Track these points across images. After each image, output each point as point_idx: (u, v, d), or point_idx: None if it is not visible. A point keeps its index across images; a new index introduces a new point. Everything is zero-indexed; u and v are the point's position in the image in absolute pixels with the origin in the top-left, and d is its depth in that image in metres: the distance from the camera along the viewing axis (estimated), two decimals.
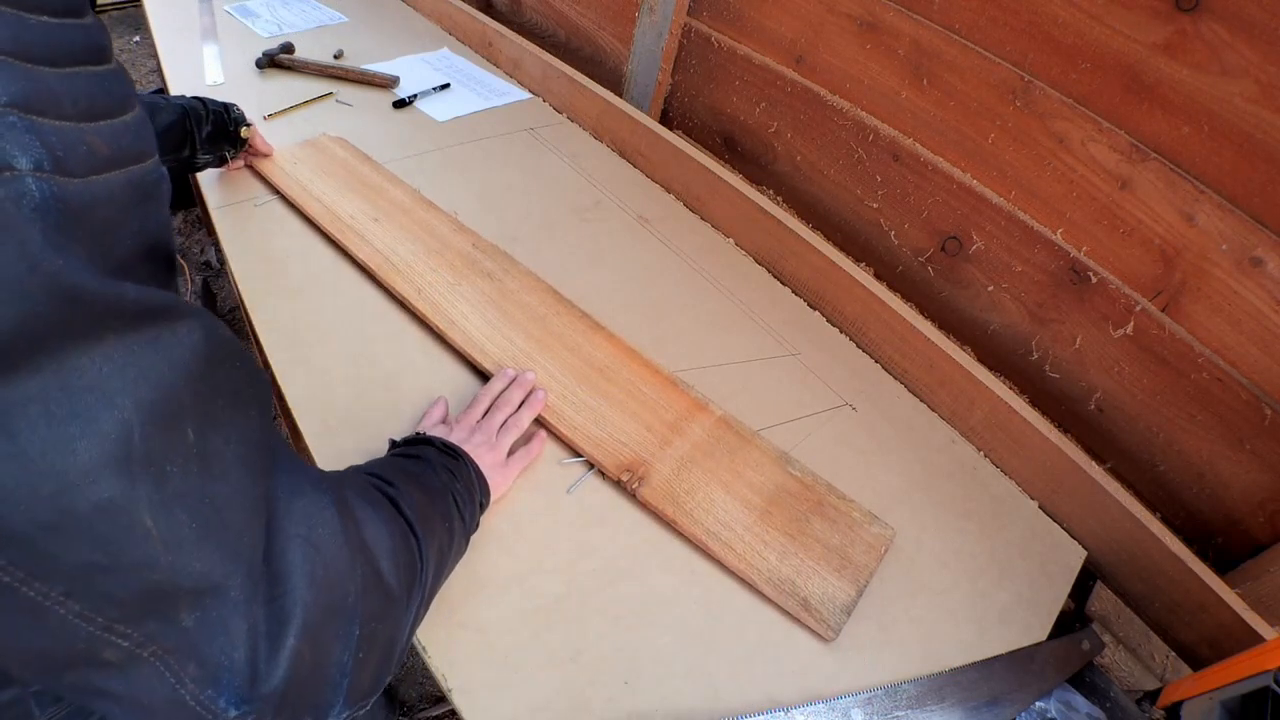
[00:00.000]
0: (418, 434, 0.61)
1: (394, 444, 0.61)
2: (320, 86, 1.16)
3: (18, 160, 0.22)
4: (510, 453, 0.65)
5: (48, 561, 0.23)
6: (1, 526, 0.22)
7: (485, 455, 0.61)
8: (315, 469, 0.39)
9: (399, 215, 0.90)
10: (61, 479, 0.23)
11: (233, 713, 0.29)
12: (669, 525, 0.65)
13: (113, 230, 0.26)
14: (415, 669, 1.25)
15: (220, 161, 0.89)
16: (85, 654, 0.25)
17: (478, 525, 0.58)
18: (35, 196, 0.23)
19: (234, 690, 0.29)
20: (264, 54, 1.17)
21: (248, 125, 0.88)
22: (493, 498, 0.61)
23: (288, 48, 1.20)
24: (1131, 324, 0.74)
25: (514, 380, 0.70)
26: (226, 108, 0.87)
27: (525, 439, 0.67)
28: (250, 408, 0.31)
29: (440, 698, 1.21)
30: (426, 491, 0.50)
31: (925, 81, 0.84)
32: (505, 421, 0.66)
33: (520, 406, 0.68)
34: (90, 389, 0.23)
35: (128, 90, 0.30)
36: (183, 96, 0.84)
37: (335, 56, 1.24)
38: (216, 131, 0.85)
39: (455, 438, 0.62)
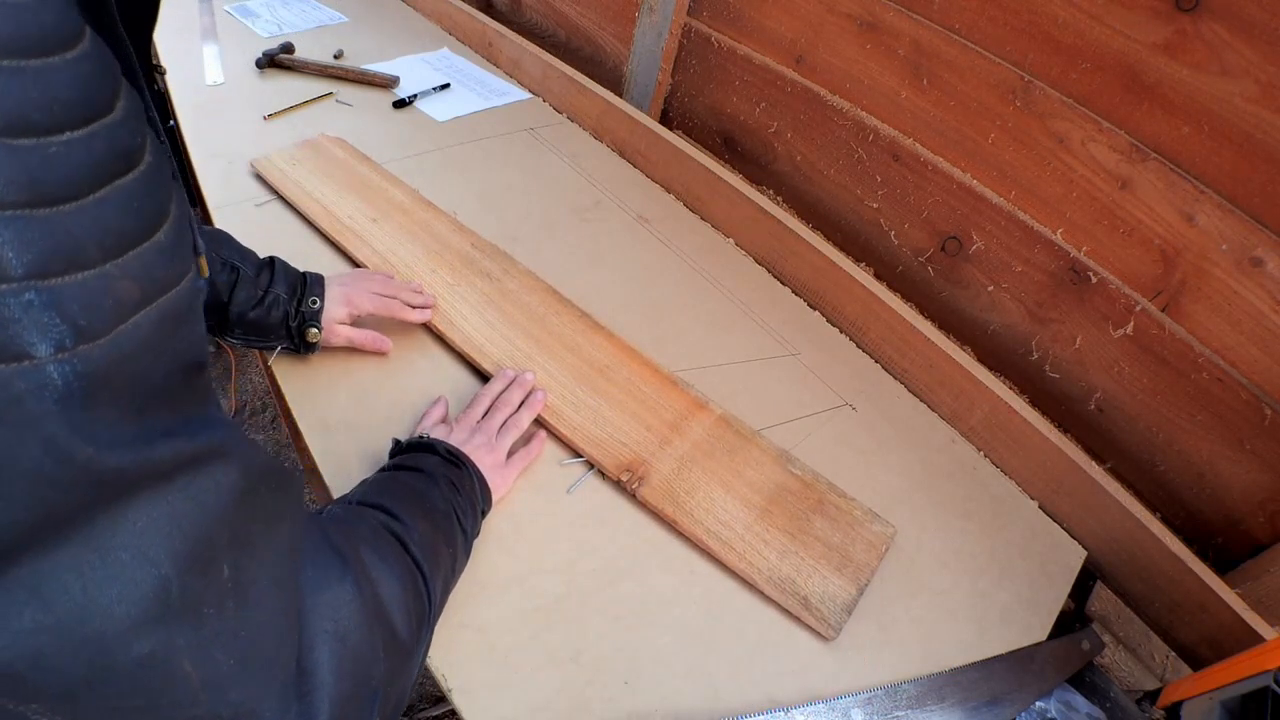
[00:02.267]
0: (420, 438, 0.60)
1: (397, 444, 0.61)
2: (320, 86, 1.16)
3: (37, 348, 0.20)
4: (510, 453, 0.65)
5: (87, 710, 0.24)
6: (41, 688, 0.22)
7: (485, 457, 0.62)
8: (330, 531, 0.38)
9: (398, 215, 0.90)
10: (100, 641, 0.23)
11: None
12: (669, 525, 0.65)
13: (143, 375, 0.24)
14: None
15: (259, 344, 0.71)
16: None
17: (479, 532, 0.58)
18: (58, 385, 0.21)
19: None
20: (264, 54, 1.17)
21: (317, 328, 0.69)
22: (494, 499, 0.61)
23: (288, 48, 1.20)
24: (1131, 324, 0.74)
25: (513, 381, 0.70)
26: (300, 292, 0.68)
27: (525, 439, 0.68)
28: (283, 522, 0.31)
29: (440, 698, 1.21)
30: (432, 517, 0.50)
31: (925, 81, 0.84)
32: (505, 422, 0.66)
33: (520, 407, 0.68)
34: (125, 548, 0.23)
35: (164, 191, 0.27)
36: (245, 258, 0.67)
37: (335, 56, 1.24)
38: (268, 318, 0.67)
39: (456, 439, 0.62)
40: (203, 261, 0.41)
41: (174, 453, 0.25)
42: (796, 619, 0.61)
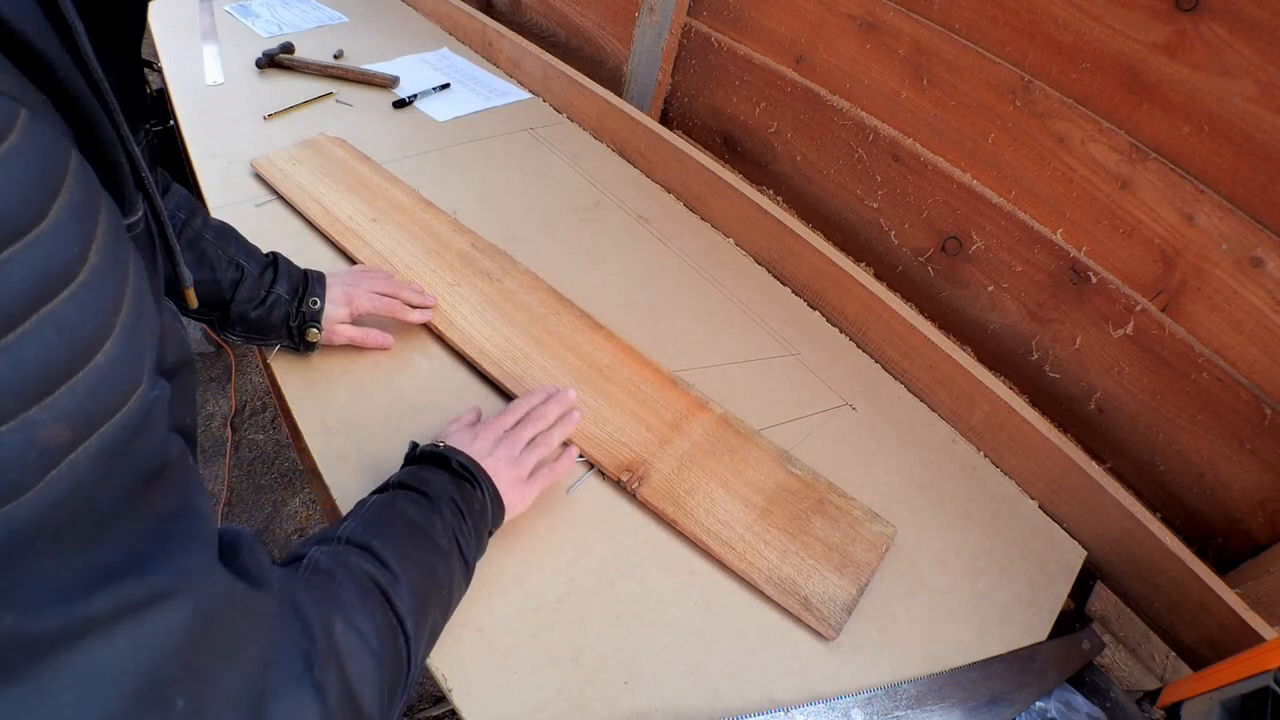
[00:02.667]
0: (436, 447, 0.57)
1: (413, 448, 0.58)
2: (320, 86, 1.16)
3: None
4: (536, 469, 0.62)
5: None
6: None
7: (505, 470, 0.58)
8: (304, 601, 0.37)
9: (398, 215, 0.90)
10: None
11: None
12: (669, 525, 0.65)
13: (84, 512, 0.22)
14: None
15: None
16: None
17: (485, 550, 0.56)
18: None
19: None
20: (264, 54, 1.17)
21: (318, 328, 0.69)
22: (508, 516, 0.58)
23: (288, 48, 1.20)
24: (1131, 324, 0.74)
25: (552, 396, 0.66)
26: (301, 291, 0.68)
27: (553, 457, 0.64)
28: (247, 647, 0.29)
29: (440, 698, 1.21)
30: (427, 560, 0.48)
31: (925, 81, 0.84)
32: (535, 438, 0.62)
33: (554, 424, 0.64)
34: (67, 690, 0.22)
35: (111, 296, 0.23)
36: (251, 256, 0.67)
37: (335, 56, 1.24)
38: (270, 318, 0.67)
39: (477, 449, 0.58)
40: (190, 294, 0.39)
41: (116, 601, 0.23)
42: (796, 619, 0.61)
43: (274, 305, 0.67)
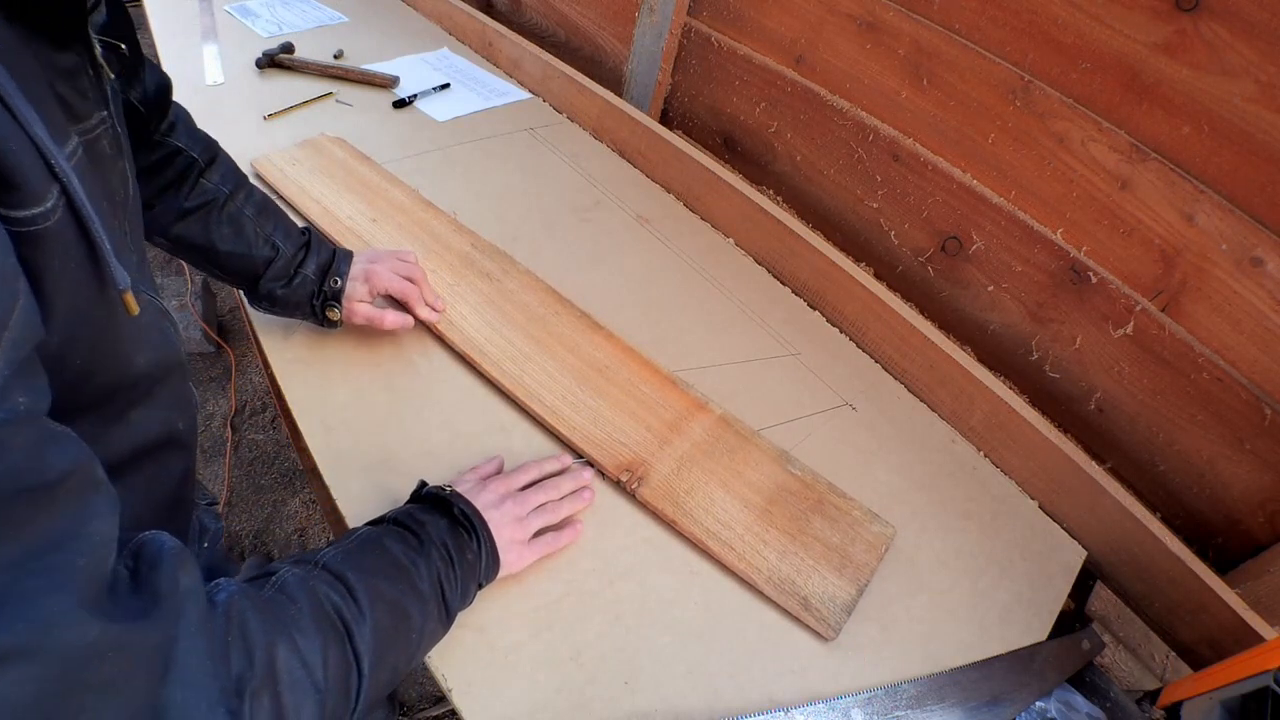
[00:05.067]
0: (442, 490, 0.56)
1: (421, 486, 0.57)
2: (320, 86, 1.16)
3: None
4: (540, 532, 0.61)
5: None
6: None
7: (508, 528, 0.57)
8: (249, 620, 0.36)
9: (397, 215, 0.90)
10: None
11: None
12: (669, 525, 0.65)
13: None
14: (415, 669, 1.25)
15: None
16: None
17: (472, 602, 0.54)
18: None
19: None
20: (264, 54, 1.17)
21: (339, 306, 0.70)
22: (501, 574, 0.56)
23: (288, 48, 1.20)
24: (1131, 324, 0.74)
25: (568, 469, 0.66)
26: (326, 270, 0.70)
27: (558, 527, 0.62)
28: (129, 685, 0.28)
29: (440, 698, 1.21)
30: (400, 603, 0.46)
31: (925, 81, 0.84)
32: (544, 504, 0.61)
33: (565, 496, 0.63)
34: None
35: None
36: (288, 236, 0.69)
37: (335, 56, 1.24)
38: (295, 296, 0.69)
39: (482, 501, 0.57)
40: (129, 299, 0.36)
41: None
42: (796, 619, 0.61)
43: (300, 284, 0.69)
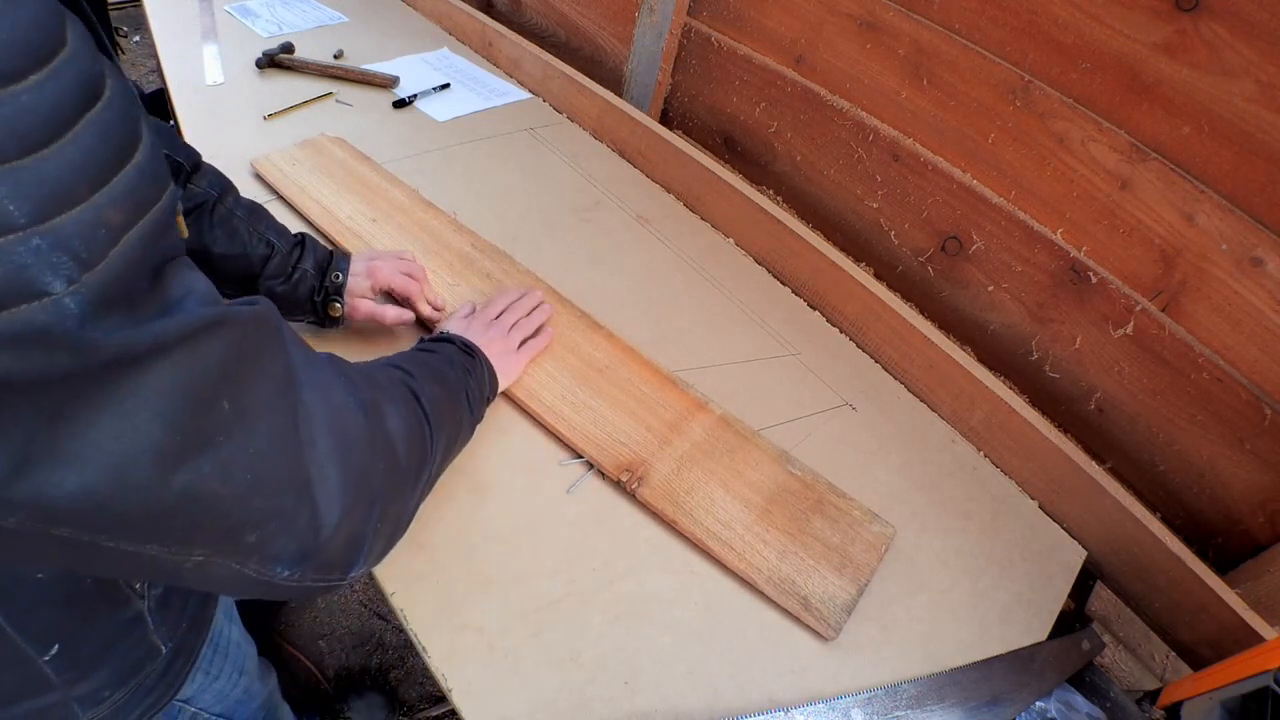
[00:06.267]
0: (441, 333, 0.68)
1: (421, 340, 0.66)
2: (320, 86, 1.16)
3: (52, 285, 0.23)
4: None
5: (148, 536, 0.29)
6: (107, 525, 0.27)
7: (496, 345, 0.69)
8: (346, 372, 0.44)
9: (397, 215, 0.90)
10: (144, 488, 0.27)
11: (285, 574, 0.36)
12: (669, 525, 0.65)
13: (134, 280, 0.27)
14: (415, 669, 1.25)
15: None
16: (171, 569, 0.32)
17: (483, 417, 0.64)
18: (74, 311, 0.24)
19: (287, 562, 0.36)
20: (264, 54, 1.17)
21: (340, 302, 0.71)
22: (501, 385, 0.68)
23: (288, 48, 1.20)
24: (1131, 324, 0.74)
25: (525, 294, 0.78)
26: (326, 268, 0.70)
27: (533, 335, 0.75)
28: (273, 361, 0.34)
29: (440, 698, 1.21)
30: (444, 385, 0.57)
31: (925, 81, 0.84)
32: (517, 321, 0.74)
33: (531, 312, 0.76)
34: (140, 411, 0.27)
35: (133, 115, 0.28)
36: (281, 235, 0.70)
37: (335, 56, 1.24)
38: (296, 293, 0.70)
39: (472, 332, 0.69)
40: (180, 222, 0.42)
41: (176, 327, 0.28)
42: (796, 619, 0.61)
43: (300, 281, 0.69)
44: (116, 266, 0.26)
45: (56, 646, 0.42)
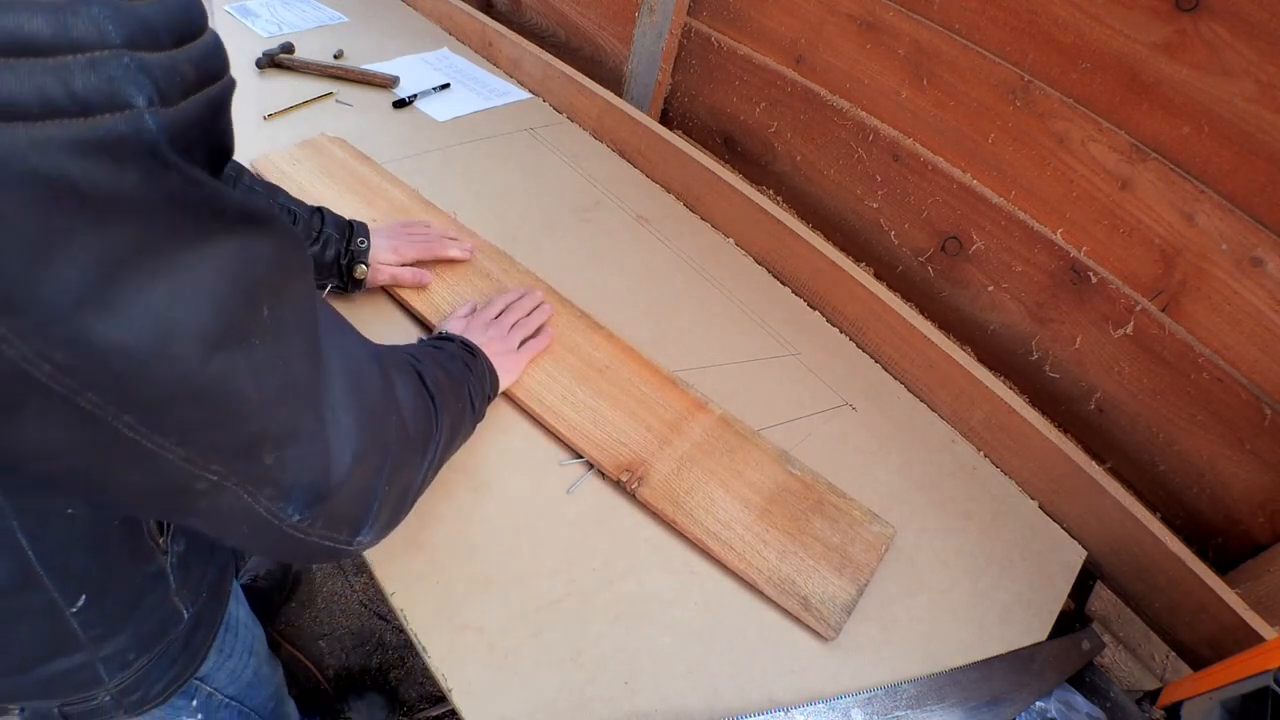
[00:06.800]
0: (442, 333, 0.70)
1: (421, 340, 0.68)
2: (320, 86, 1.16)
3: (135, 98, 0.25)
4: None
5: (169, 421, 0.29)
6: (138, 398, 0.27)
7: (497, 345, 0.70)
8: (357, 333, 0.45)
9: (397, 215, 0.90)
10: (183, 362, 0.28)
11: (295, 518, 0.36)
12: (669, 525, 0.65)
13: (196, 144, 0.29)
14: (415, 669, 1.25)
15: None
16: (184, 488, 0.32)
17: (484, 415, 0.65)
18: (152, 129, 0.25)
19: (299, 503, 0.36)
20: (264, 54, 1.17)
21: (365, 265, 0.76)
22: (502, 385, 0.69)
23: (288, 48, 1.20)
24: (1131, 324, 0.74)
25: (524, 294, 0.79)
26: (348, 234, 0.75)
27: (533, 335, 0.76)
28: (302, 280, 0.36)
29: (440, 698, 1.21)
30: (448, 374, 0.58)
31: (925, 81, 0.84)
32: (517, 321, 0.75)
33: (530, 313, 0.77)
34: (191, 282, 0.28)
35: (203, 8, 0.31)
36: (299, 205, 0.74)
37: (335, 56, 1.24)
38: (323, 256, 0.74)
39: (472, 333, 0.70)
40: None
41: (237, 203, 0.29)
42: (796, 619, 0.61)
43: (325, 244, 0.74)
44: (189, 114, 0.27)
45: (84, 598, 0.43)
